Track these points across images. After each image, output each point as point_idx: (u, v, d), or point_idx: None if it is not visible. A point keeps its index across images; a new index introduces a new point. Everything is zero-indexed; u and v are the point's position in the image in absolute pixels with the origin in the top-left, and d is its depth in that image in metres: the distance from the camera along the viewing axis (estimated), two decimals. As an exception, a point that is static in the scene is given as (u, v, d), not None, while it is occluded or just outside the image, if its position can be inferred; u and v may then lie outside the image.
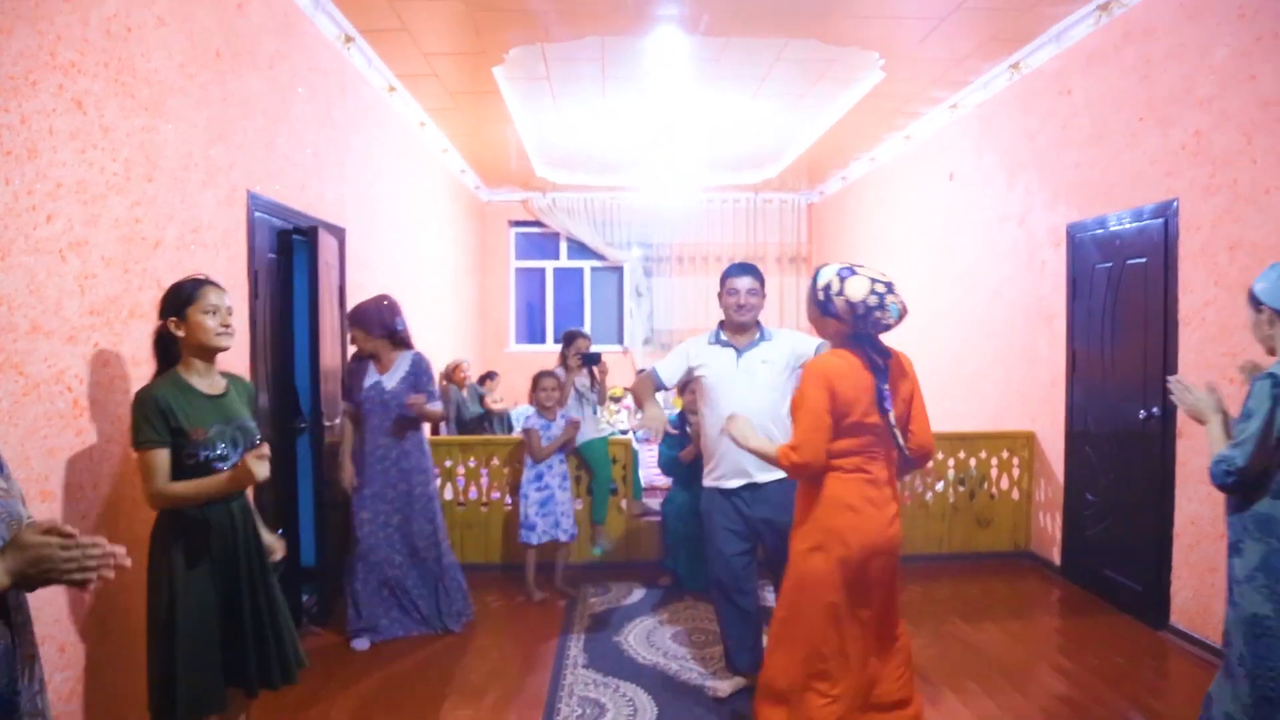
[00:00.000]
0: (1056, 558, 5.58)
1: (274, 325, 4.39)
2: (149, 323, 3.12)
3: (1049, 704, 3.77)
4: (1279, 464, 2.46)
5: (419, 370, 4.46)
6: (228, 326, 2.66)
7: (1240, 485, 2.51)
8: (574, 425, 5.14)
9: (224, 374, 2.76)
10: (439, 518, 4.59)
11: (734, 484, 3.62)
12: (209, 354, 2.66)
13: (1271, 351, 2.61)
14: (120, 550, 1.60)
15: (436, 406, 4.46)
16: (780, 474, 3.42)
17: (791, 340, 3.75)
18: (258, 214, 4.06)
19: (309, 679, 4.01)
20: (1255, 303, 2.63)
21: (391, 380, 4.41)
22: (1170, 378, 2.91)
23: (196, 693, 2.54)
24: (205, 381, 2.65)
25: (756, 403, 3.55)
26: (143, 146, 3.12)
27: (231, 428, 2.63)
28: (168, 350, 2.66)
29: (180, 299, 2.60)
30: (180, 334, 2.60)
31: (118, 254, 2.99)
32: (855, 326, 2.74)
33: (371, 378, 4.43)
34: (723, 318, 3.77)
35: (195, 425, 2.54)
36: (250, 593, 2.67)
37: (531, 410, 5.20)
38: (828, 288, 2.75)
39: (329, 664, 4.19)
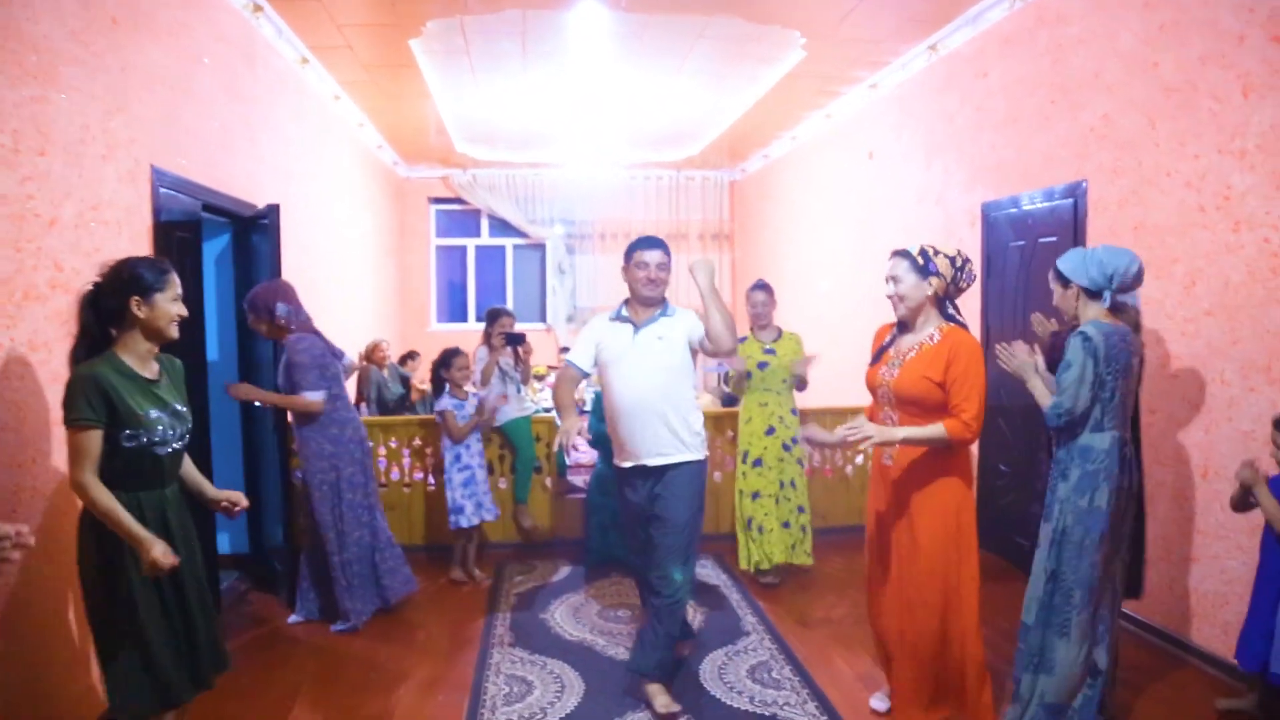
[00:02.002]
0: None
1: (189, 305, 4.20)
2: (44, 305, 2.98)
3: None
4: (1094, 404, 3.00)
5: (287, 359, 4.22)
6: (181, 316, 2.63)
7: (1070, 424, 3.05)
8: (488, 403, 5.13)
9: (155, 356, 2.66)
10: (321, 512, 4.34)
11: (628, 465, 3.57)
12: (159, 341, 2.60)
13: (1076, 320, 3.16)
14: (24, 529, 1.90)
15: (312, 396, 4.18)
16: (681, 458, 3.44)
17: (692, 319, 3.56)
18: (163, 190, 3.88)
19: (235, 662, 3.95)
20: (1063, 280, 3.17)
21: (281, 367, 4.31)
22: (997, 345, 3.40)
23: (168, 684, 2.52)
24: (143, 366, 2.57)
25: (646, 380, 3.46)
26: (33, 118, 2.94)
27: (168, 413, 2.57)
28: (103, 328, 2.53)
29: (148, 281, 2.52)
30: (141, 315, 2.51)
31: (8, 232, 2.82)
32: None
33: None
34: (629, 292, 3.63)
35: (135, 409, 2.46)
36: (192, 581, 2.64)
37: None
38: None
39: (257, 649, 4.13)
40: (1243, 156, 3.58)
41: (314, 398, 4.20)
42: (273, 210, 4.70)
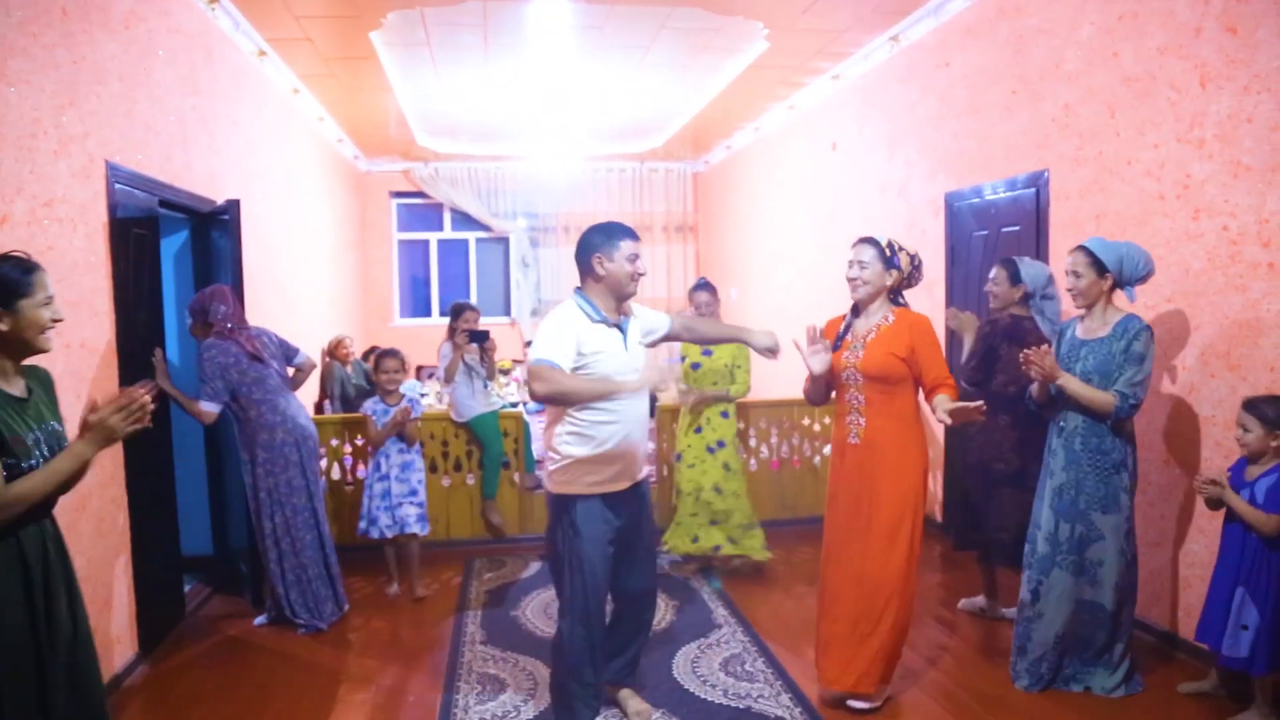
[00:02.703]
0: (938, 515, 5.81)
1: (147, 303, 4.13)
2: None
3: (933, 654, 3.95)
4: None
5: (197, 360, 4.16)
6: (57, 321, 2.25)
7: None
8: (405, 411, 4.71)
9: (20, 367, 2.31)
10: (259, 510, 4.26)
11: (623, 485, 3.14)
12: (26, 354, 2.24)
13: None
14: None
15: (204, 406, 4.06)
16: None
17: (647, 313, 3.36)
18: (118, 186, 3.79)
19: (202, 666, 3.91)
20: (1099, 269, 3.39)
21: None
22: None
23: None
24: (8, 382, 2.21)
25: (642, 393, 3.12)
26: (-17, 113, 2.85)
27: (45, 433, 2.22)
28: None
29: (10, 287, 2.14)
30: (3, 328, 2.14)
31: (-42, 231, 2.73)
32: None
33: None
34: (590, 288, 3.11)
35: (14, 433, 2.12)
36: (74, 625, 2.27)
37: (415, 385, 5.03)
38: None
39: (222, 652, 4.07)
40: (1201, 145, 3.64)
41: (205, 408, 4.07)
42: (233, 205, 4.63)
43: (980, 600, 4.42)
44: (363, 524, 4.77)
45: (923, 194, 5.97)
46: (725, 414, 5.03)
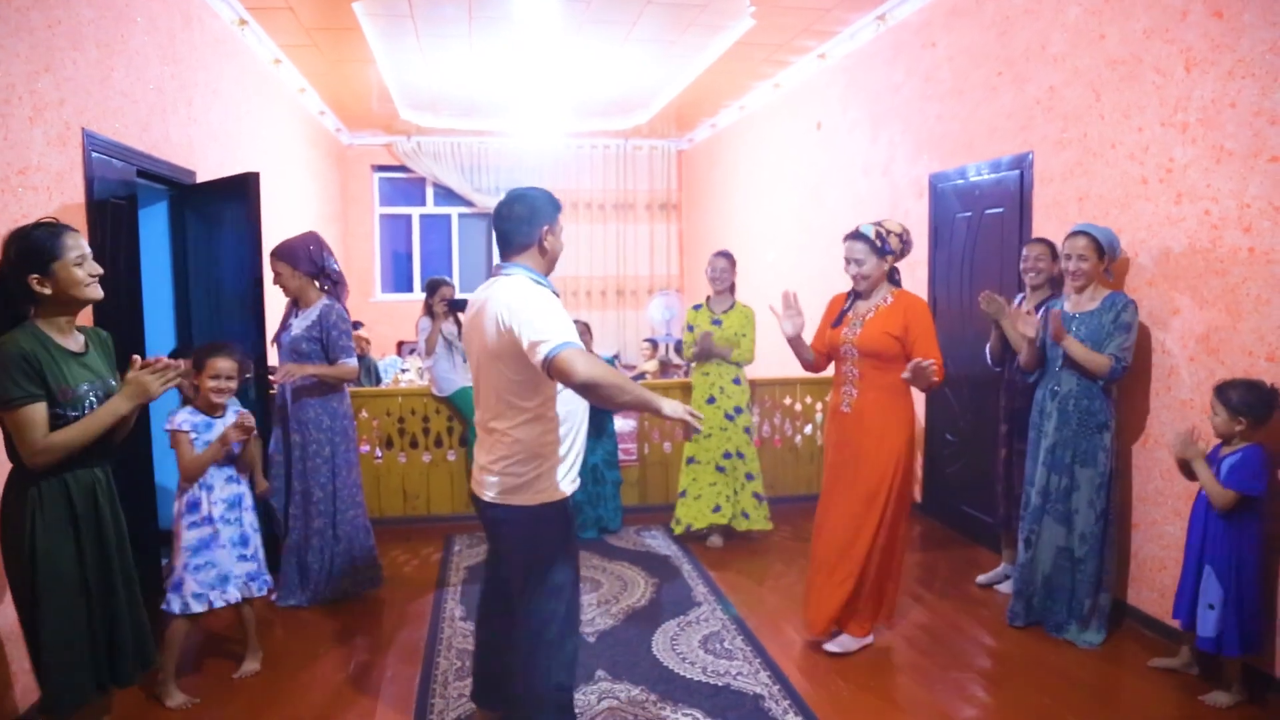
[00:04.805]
0: (918, 495, 5.85)
1: (125, 275, 4.05)
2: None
3: (910, 632, 3.99)
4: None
5: (326, 323, 4.09)
6: (96, 275, 2.43)
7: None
8: (240, 427, 3.37)
9: (79, 328, 2.53)
10: (340, 481, 4.21)
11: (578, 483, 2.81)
12: (77, 308, 2.45)
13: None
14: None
15: (347, 362, 4.12)
16: None
17: None
18: (95, 155, 3.72)
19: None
20: (1100, 252, 3.76)
21: (300, 326, 4.15)
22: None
23: (67, 685, 2.39)
24: (67, 338, 2.43)
25: None
26: (-45, 78, 2.79)
27: (100, 388, 2.46)
28: (12, 305, 2.38)
29: (42, 252, 2.32)
30: (46, 291, 2.34)
31: (-70, 199, 2.68)
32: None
33: (289, 321, 4.22)
34: (534, 262, 2.67)
35: (63, 384, 2.34)
36: (122, 566, 2.53)
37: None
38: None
39: (199, 627, 4.02)
40: (1185, 130, 3.65)
41: (352, 363, 4.15)
42: (252, 178, 4.52)
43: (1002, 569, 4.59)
44: (169, 597, 3.30)
45: (907, 175, 5.97)
46: (737, 380, 5.12)
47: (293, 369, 4.05)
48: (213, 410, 3.40)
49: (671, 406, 2.37)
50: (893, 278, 3.69)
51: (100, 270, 2.46)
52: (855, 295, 3.73)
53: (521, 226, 2.62)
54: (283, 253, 4.16)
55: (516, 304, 2.45)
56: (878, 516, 3.58)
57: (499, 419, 2.58)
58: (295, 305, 4.25)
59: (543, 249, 2.66)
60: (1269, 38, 3.27)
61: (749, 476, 5.13)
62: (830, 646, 3.73)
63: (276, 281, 4.20)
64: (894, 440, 3.58)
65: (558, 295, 2.63)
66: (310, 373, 4.09)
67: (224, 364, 3.36)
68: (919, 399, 5.72)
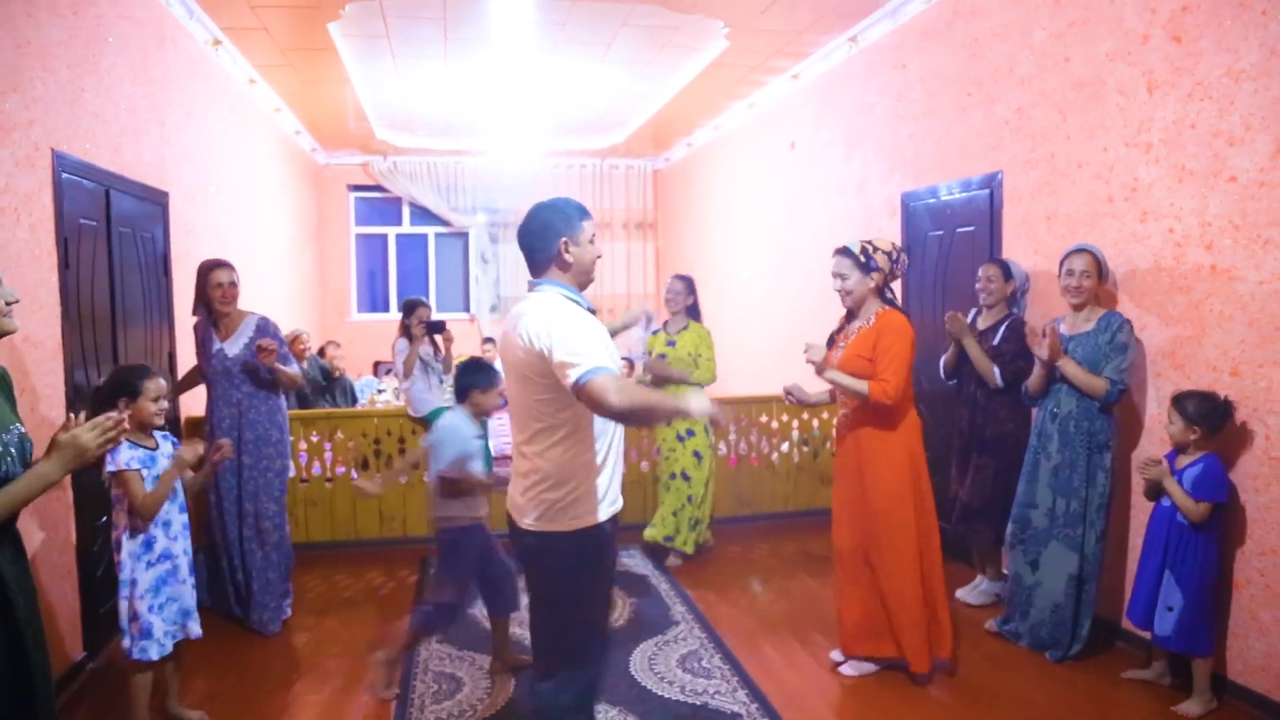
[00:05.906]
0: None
1: (95, 298, 4.02)
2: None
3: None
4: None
5: (266, 332, 4.19)
6: (12, 303, 2.08)
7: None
8: (189, 451, 3.22)
9: None
10: (281, 497, 4.32)
11: (618, 508, 2.64)
12: None
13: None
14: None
15: (291, 367, 4.25)
16: None
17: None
18: (65, 175, 3.70)
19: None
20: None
21: (234, 347, 4.16)
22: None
23: None
24: None
25: None
26: (-77, 99, 2.77)
27: (9, 440, 2.03)
28: None
29: None
30: None
31: (-103, 220, 2.65)
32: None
33: (215, 344, 4.18)
34: (560, 278, 2.55)
35: None
36: (35, 643, 2.07)
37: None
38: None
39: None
40: (1148, 150, 3.73)
41: (298, 370, 4.37)
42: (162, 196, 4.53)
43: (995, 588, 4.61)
44: (139, 643, 3.07)
45: (879, 194, 6.03)
46: None
47: (270, 347, 4.08)
48: (147, 440, 3.14)
49: (700, 405, 2.25)
50: (884, 297, 3.63)
51: (17, 298, 2.11)
52: (848, 316, 3.72)
53: (536, 242, 2.53)
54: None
55: (543, 322, 2.35)
56: (888, 537, 3.53)
57: (530, 442, 2.48)
58: (213, 325, 4.22)
59: (564, 263, 2.51)
60: (1224, 62, 3.35)
61: (689, 499, 5.15)
62: (846, 670, 3.74)
63: (232, 292, 4.19)
64: (895, 458, 3.53)
65: (593, 311, 2.55)
66: (281, 369, 4.17)
67: (158, 384, 3.10)
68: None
